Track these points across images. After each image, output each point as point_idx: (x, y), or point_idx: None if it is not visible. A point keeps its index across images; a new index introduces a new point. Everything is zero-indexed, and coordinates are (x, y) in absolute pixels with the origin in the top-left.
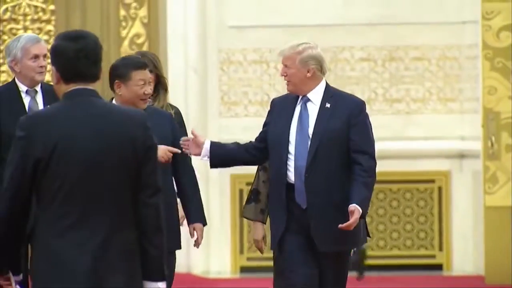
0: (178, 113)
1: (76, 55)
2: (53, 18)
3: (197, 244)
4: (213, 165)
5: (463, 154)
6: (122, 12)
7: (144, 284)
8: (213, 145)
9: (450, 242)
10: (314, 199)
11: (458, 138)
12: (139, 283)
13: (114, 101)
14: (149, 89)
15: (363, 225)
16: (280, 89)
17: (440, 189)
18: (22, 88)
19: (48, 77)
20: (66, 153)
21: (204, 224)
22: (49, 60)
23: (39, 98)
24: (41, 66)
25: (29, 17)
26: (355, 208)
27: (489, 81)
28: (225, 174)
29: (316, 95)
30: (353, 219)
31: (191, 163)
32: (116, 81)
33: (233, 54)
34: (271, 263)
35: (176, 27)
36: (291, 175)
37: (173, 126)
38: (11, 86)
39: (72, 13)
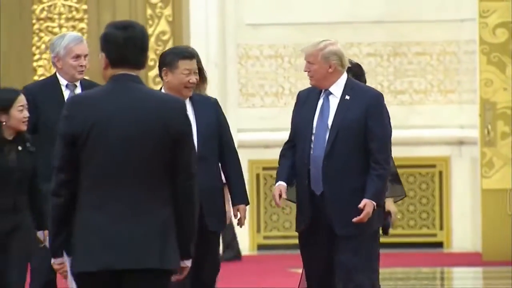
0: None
1: (125, 42)
2: (85, 16)
3: (240, 223)
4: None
5: (462, 141)
6: (149, 11)
7: None
8: (283, 178)
9: (450, 222)
10: (331, 185)
11: (457, 126)
12: (170, 259)
13: (162, 89)
14: (194, 78)
15: (379, 213)
16: (294, 81)
17: (440, 173)
18: (63, 82)
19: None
20: (103, 132)
21: (247, 204)
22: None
23: (79, 91)
24: (81, 65)
25: (63, 16)
26: (366, 202)
27: (485, 74)
28: (243, 159)
29: (337, 88)
30: (364, 213)
31: (235, 148)
32: (164, 68)
33: (250, 50)
34: (286, 241)
35: (198, 25)
36: (312, 164)
37: (218, 112)
38: (53, 80)
39: (102, 12)
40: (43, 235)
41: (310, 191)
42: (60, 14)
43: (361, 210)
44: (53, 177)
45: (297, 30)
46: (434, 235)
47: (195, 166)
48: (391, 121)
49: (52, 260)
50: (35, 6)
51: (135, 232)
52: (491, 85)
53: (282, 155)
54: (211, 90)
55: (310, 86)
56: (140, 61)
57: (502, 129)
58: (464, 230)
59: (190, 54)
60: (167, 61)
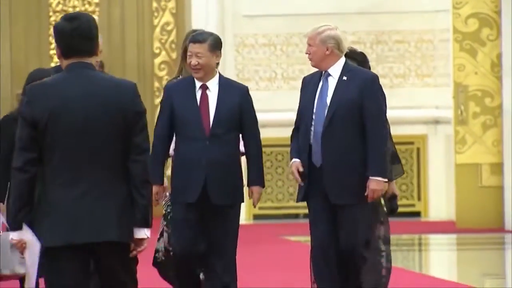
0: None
1: (71, 33)
2: (97, 9)
3: (253, 203)
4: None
5: (437, 120)
6: (154, 4)
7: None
8: (297, 158)
9: (427, 193)
10: (329, 158)
11: (433, 107)
12: (129, 232)
13: None
14: (194, 60)
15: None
16: (285, 67)
17: (418, 149)
18: None
19: None
20: (61, 116)
21: (262, 186)
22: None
23: None
24: (96, 61)
25: (77, 9)
26: (371, 181)
27: (458, 60)
28: None
29: (335, 70)
30: (370, 192)
31: (256, 134)
32: (183, 52)
33: (246, 39)
34: (278, 211)
35: (199, 16)
36: (311, 139)
37: (244, 99)
38: (60, 69)
39: (113, 5)
40: None
41: (310, 164)
42: (74, 7)
43: (361, 185)
44: (17, 156)
45: (289, 20)
46: (413, 205)
47: (147, 142)
48: None
49: (11, 234)
50: (51, 0)
51: (96, 209)
52: (463, 69)
53: (291, 138)
54: None
55: (306, 73)
56: (90, 49)
57: (473, 109)
58: (439, 201)
59: (194, 39)
60: (185, 44)
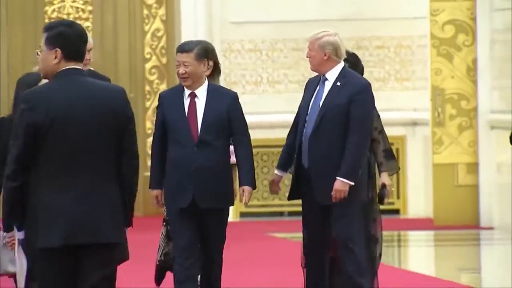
0: (234, 97)
1: (77, 38)
2: (90, 16)
3: (244, 203)
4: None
5: (415, 122)
6: (145, 11)
7: None
8: (282, 166)
9: (406, 192)
10: (315, 160)
11: (411, 109)
12: (120, 234)
13: None
14: (182, 69)
15: (364, 183)
16: (271, 71)
17: (397, 150)
18: None
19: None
20: (63, 123)
21: (253, 187)
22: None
23: None
24: (87, 59)
25: (71, 16)
26: (337, 181)
27: (435, 64)
28: None
29: (332, 75)
30: (334, 191)
31: (246, 138)
32: None
33: (233, 44)
34: (264, 209)
35: (188, 23)
36: (302, 140)
37: (232, 105)
38: None
39: (105, 12)
40: None
41: (300, 165)
42: (68, 14)
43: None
44: (9, 163)
45: (274, 27)
46: (392, 203)
47: (137, 146)
48: None
49: (4, 234)
50: (47, 7)
51: (92, 210)
52: (440, 73)
53: (287, 138)
54: None
55: (290, 78)
56: (84, 55)
57: (450, 111)
58: (417, 199)
59: (181, 48)
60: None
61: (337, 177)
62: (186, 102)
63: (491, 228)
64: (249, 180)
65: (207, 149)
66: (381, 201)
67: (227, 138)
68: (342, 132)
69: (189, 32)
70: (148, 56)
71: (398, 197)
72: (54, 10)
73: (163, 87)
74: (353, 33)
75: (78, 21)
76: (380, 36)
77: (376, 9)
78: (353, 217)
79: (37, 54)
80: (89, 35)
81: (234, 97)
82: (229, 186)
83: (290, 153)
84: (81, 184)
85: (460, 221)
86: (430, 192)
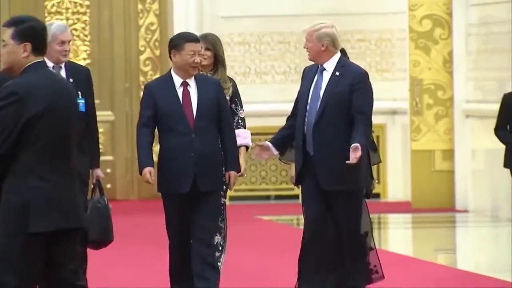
0: (234, 85)
1: (44, 32)
2: (88, 11)
3: (229, 187)
4: (282, 154)
5: (395, 111)
6: (140, 6)
7: None
8: (274, 143)
9: (386, 177)
10: (320, 148)
11: (391, 99)
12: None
13: (172, 70)
14: (198, 58)
15: (363, 173)
16: (258, 63)
17: (378, 137)
18: (49, 64)
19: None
20: (52, 111)
21: (237, 171)
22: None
23: (63, 72)
24: (66, 50)
25: (70, 10)
26: (356, 145)
27: (414, 56)
28: None
29: (330, 65)
30: (356, 154)
31: (231, 123)
32: (172, 51)
33: (223, 37)
34: (252, 193)
35: (180, 17)
36: (306, 129)
37: (219, 91)
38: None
39: (102, 7)
40: None
41: (305, 152)
42: (67, 8)
43: (353, 171)
44: None
45: (261, 21)
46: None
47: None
48: None
49: None
50: (46, 2)
51: (73, 196)
52: (418, 65)
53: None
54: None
55: (277, 69)
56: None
57: (427, 101)
58: (396, 184)
59: (194, 38)
60: (175, 44)
61: (353, 143)
62: (179, 91)
63: (466, 211)
64: (235, 165)
65: (203, 135)
66: (368, 196)
67: (216, 123)
68: (344, 120)
69: (181, 26)
70: (142, 49)
71: (378, 182)
72: (53, 5)
73: None
74: (336, 27)
75: (76, 15)
76: (362, 29)
77: (357, 4)
78: (357, 206)
79: None
80: (87, 28)
81: (218, 84)
82: (221, 169)
83: (287, 134)
84: (68, 169)
85: (437, 205)
86: (409, 177)
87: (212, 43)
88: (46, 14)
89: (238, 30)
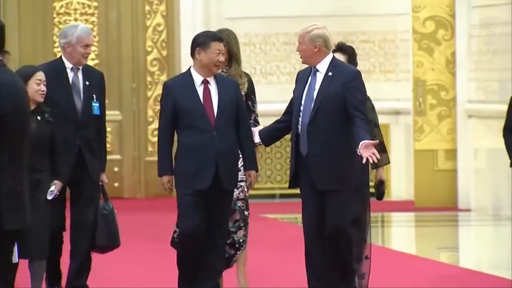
0: (249, 80)
1: (4, 31)
2: (96, 12)
3: (250, 186)
4: (267, 144)
5: (398, 111)
6: (147, 7)
7: None
8: (261, 132)
9: (389, 175)
10: (314, 148)
11: (395, 99)
12: None
13: (192, 67)
14: (222, 58)
15: (357, 169)
16: (264, 63)
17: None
18: (68, 65)
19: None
20: (22, 109)
21: (256, 171)
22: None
23: (80, 74)
24: (88, 53)
25: (78, 11)
26: (367, 142)
27: (417, 57)
28: None
29: (322, 66)
30: (371, 150)
31: (248, 123)
32: (197, 48)
33: None
34: (257, 192)
35: (187, 19)
36: (299, 130)
37: (237, 90)
38: (59, 63)
39: (110, 8)
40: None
41: (298, 152)
42: (75, 9)
43: (347, 170)
44: None
45: (266, 22)
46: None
47: None
48: None
49: None
50: (55, 3)
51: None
52: (421, 66)
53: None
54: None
55: (282, 70)
56: None
57: (430, 101)
58: (400, 183)
59: (220, 37)
60: (201, 41)
61: (361, 141)
62: (200, 89)
63: (468, 210)
64: (254, 165)
65: (224, 133)
66: (380, 198)
67: (234, 121)
68: (338, 120)
69: (187, 27)
70: (149, 49)
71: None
72: (62, 6)
73: (163, 78)
74: (340, 28)
75: (84, 16)
76: (366, 31)
77: (362, 5)
78: (350, 203)
79: None
80: (95, 29)
81: (236, 83)
82: (238, 167)
83: (276, 128)
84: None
85: (440, 204)
86: (412, 176)
87: (226, 39)
88: (54, 15)
89: (243, 31)
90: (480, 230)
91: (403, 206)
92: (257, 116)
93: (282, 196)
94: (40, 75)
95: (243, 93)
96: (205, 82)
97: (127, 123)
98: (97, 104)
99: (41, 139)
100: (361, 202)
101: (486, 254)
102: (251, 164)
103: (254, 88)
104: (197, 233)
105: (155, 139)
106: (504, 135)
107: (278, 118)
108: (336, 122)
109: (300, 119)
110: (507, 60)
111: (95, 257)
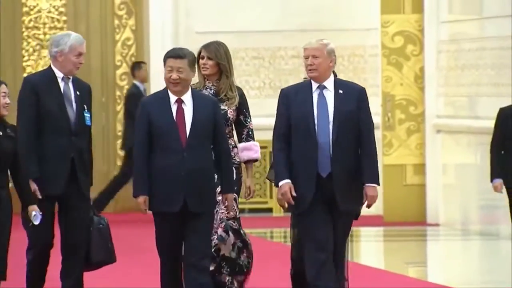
0: (241, 94)
1: None
2: (65, 26)
3: (227, 209)
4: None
5: None
6: (116, 22)
7: None
8: (283, 174)
9: None
10: (337, 168)
11: None
12: None
13: None
14: (175, 75)
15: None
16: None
17: None
18: (59, 74)
19: None
20: None
21: (233, 193)
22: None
23: (71, 84)
24: (80, 63)
25: (47, 25)
26: (369, 188)
27: (386, 72)
28: None
29: (329, 83)
30: (370, 198)
31: (225, 144)
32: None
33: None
34: (262, 206)
35: (156, 33)
36: (318, 150)
37: (215, 109)
38: (49, 73)
39: (79, 22)
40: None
41: (316, 174)
42: (44, 23)
43: (362, 191)
44: None
45: (236, 37)
46: None
47: None
48: None
49: None
50: (24, 17)
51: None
52: (390, 81)
53: (280, 149)
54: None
55: (251, 84)
56: None
57: (399, 116)
58: None
59: (175, 54)
60: (163, 59)
61: (367, 184)
62: (173, 108)
63: (436, 225)
64: (230, 188)
65: (196, 154)
66: (357, 217)
67: (210, 141)
68: (355, 138)
69: (157, 41)
70: (118, 63)
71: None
72: (31, 20)
73: None
74: None
75: (53, 30)
76: (335, 46)
77: (331, 20)
78: (349, 225)
79: None
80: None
81: (216, 102)
82: (214, 189)
83: (288, 164)
84: None
85: (408, 218)
86: (381, 191)
87: (214, 52)
88: (23, 29)
89: None
90: (449, 244)
91: (372, 221)
92: (251, 131)
93: (251, 210)
94: (4, 88)
95: (233, 108)
96: (179, 101)
97: (96, 137)
98: (88, 115)
99: (4, 155)
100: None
101: (455, 269)
102: (227, 187)
103: (246, 102)
104: (170, 253)
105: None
106: (491, 151)
107: (281, 146)
108: (354, 141)
109: (318, 140)
110: (475, 75)
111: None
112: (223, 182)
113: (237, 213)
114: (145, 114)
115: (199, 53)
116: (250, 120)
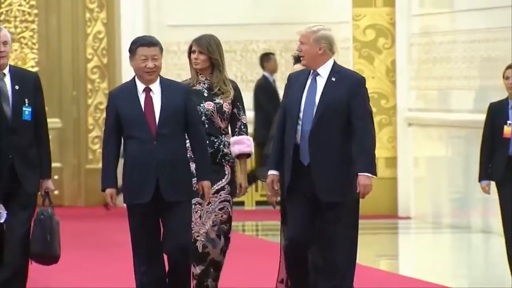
0: (236, 87)
1: None
2: (36, 19)
3: (203, 199)
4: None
5: None
6: (87, 15)
7: None
8: (275, 168)
9: None
10: (316, 157)
11: None
12: None
13: (135, 76)
14: (151, 64)
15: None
16: None
17: None
18: None
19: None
20: None
21: (209, 180)
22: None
23: (7, 79)
24: (2, 51)
25: (18, 19)
26: (360, 177)
27: (358, 65)
28: None
29: (324, 70)
30: (361, 187)
31: (201, 131)
32: (129, 56)
33: (170, 46)
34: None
35: (128, 26)
36: (298, 137)
37: (187, 97)
38: None
39: (50, 15)
40: None
41: (298, 162)
42: (15, 17)
43: (350, 182)
44: None
45: (208, 30)
46: None
47: None
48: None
49: None
50: None
51: None
52: (362, 74)
53: (276, 139)
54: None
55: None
56: None
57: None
58: None
59: (148, 42)
60: (129, 49)
61: (359, 173)
62: (141, 97)
63: (408, 218)
64: (206, 175)
65: (166, 142)
66: None
67: (183, 130)
68: (341, 128)
69: (128, 34)
70: (90, 57)
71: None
72: (1, 13)
73: (104, 86)
74: (282, 36)
75: (24, 24)
76: None
77: (303, 14)
78: (345, 221)
79: None
80: (35, 37)
81: (188, 90)
82: (190, 178)
83: (282, 153)
84: None
85: (380, 211)
86: None
87: (205, 46)
88: None
89: (185, 38)
90: (420, 238)
91: None
92: (244, 125)
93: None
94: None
95: (229, 101)
96: (147, 90)
97: (67, 130)
98: (29, 109)
99: None
100: (355, 217)
101: (426, 262)
102: (203, 173)
103: (241, 95)
104: (145, 247)
105: (96, 146)
106: (481, 150)
107: (277, 141)
108: (339, 130)
109: (300, 127)
110: (446, 68)
111: (32, 266)
112: (197, 168)
113: (231, 214)
114: (112, 107)
115: (190, 47)
116: (244, 114)
